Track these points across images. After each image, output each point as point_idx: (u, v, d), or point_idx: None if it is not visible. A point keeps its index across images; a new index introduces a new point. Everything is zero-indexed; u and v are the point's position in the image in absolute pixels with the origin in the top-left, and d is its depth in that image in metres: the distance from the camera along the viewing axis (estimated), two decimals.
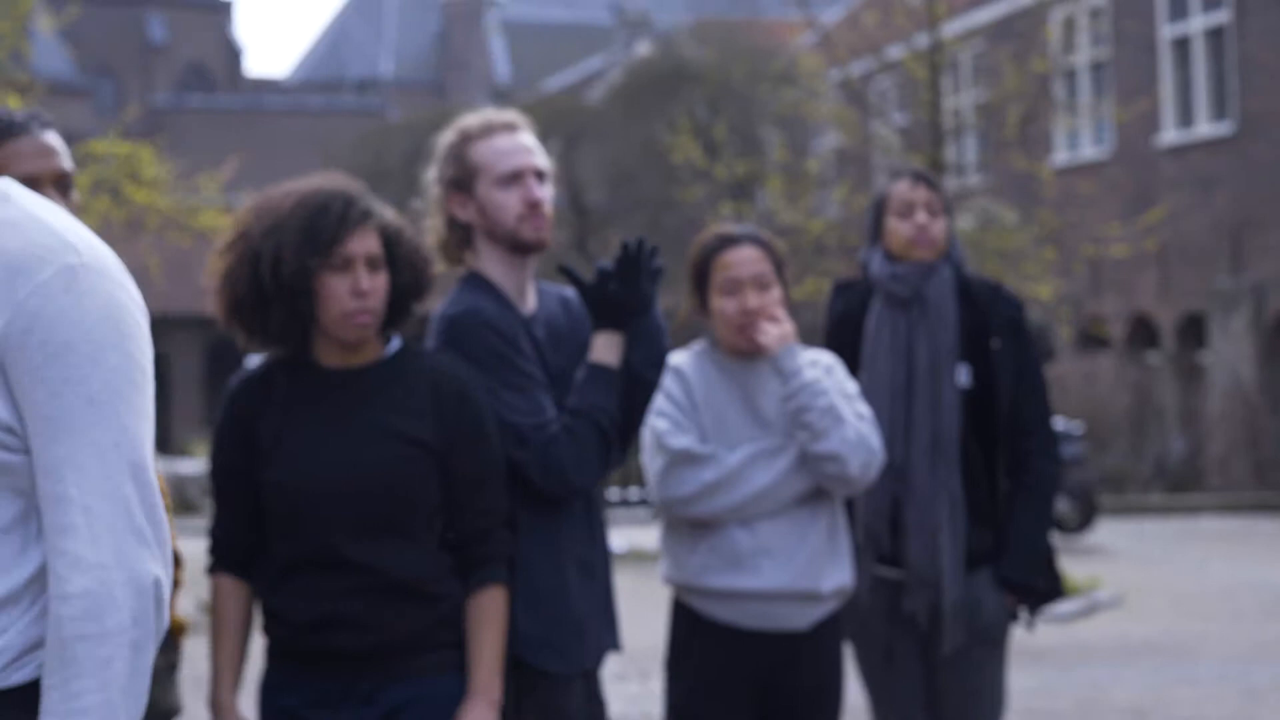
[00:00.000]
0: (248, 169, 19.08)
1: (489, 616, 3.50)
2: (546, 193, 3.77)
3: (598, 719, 3.81)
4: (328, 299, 3.42)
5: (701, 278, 4.26)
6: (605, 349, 3.70)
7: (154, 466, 2.16)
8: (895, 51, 15.96)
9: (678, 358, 4.24)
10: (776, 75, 22.57)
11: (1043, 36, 19.23)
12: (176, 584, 3.60)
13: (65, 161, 3.45)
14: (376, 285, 3.44)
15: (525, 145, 3.77)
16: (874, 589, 4.62)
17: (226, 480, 3.56)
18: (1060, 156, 24.76)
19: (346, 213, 3.43)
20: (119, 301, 2.11)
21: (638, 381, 3.74)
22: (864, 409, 4.24)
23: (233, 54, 60.43)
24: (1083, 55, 23.56)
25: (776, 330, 4.15)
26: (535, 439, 3.59)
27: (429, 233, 3.81)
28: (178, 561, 3.62)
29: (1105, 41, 23.59)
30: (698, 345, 4.32)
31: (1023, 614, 4.71)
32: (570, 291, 3.90)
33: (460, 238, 3.79)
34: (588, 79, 43.82)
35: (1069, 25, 19.58)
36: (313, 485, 3.44)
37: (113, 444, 2.08)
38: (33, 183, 3.37)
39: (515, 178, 3.73)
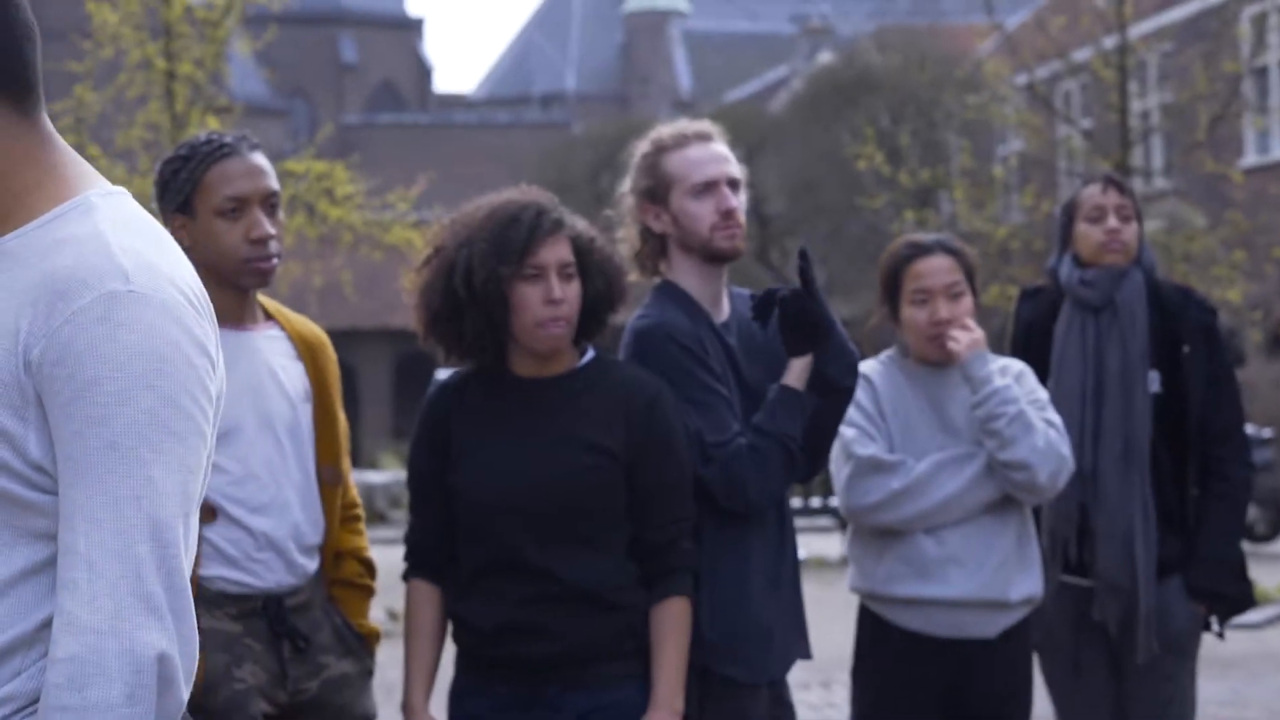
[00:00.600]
0: (436, 184, 19.47)
1: (673, 627, 3.51)
2: (740, 201, 3.78)
3: None
4: (520, 308, 3.46)
5: (893, 286, 4.26)
6: (797, 373, 3.70)
7: (183, 534, 1.89)
8: (1082, 54, 15.82)
9: (867, 366, 4.23)
10: (962, 81, 22.41)
11: (1232, 36, 18.90)
12: (369, 591, 3.74)
13: (273, 181, 3.56)
14: (569, 294, 3.48)
15: (719, 154, 3.78)
16: (1060, 597, 4.59)
17: (421, 486, 3.62)
18: (1249, 158, 24.26)
19: (538, 222, 3.48)
20: (167, 336, 1.87)
21: (836, 390, 3.75)
22: (1054, 417, 4.21)
23: (423, 72, 61.40)
24: (1274, 54, 23.08)
25: (966, 337, 4.14)
26: (718, 455, 3.61)
27: (623, 243, 3.84)
28: (370, 569, 3.77)
29: None
30: (887, 354, 4.33)
31: (1213, 623, 4.66)
32: (745, 292, 3.93)
33: (654, 248, 3.82)
34: (770, 88, 43.86)
35: (1259, 23, 19.20)
36: (499, 492, 3.49)
37: (132, 496, 1.84)
38: (242, 203, 3.52)
39: (709, 187, 3.74)
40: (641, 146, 3.85)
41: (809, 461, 3.79)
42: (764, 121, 31.95)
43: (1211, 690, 8.45)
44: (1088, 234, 4.67)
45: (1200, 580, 4.59)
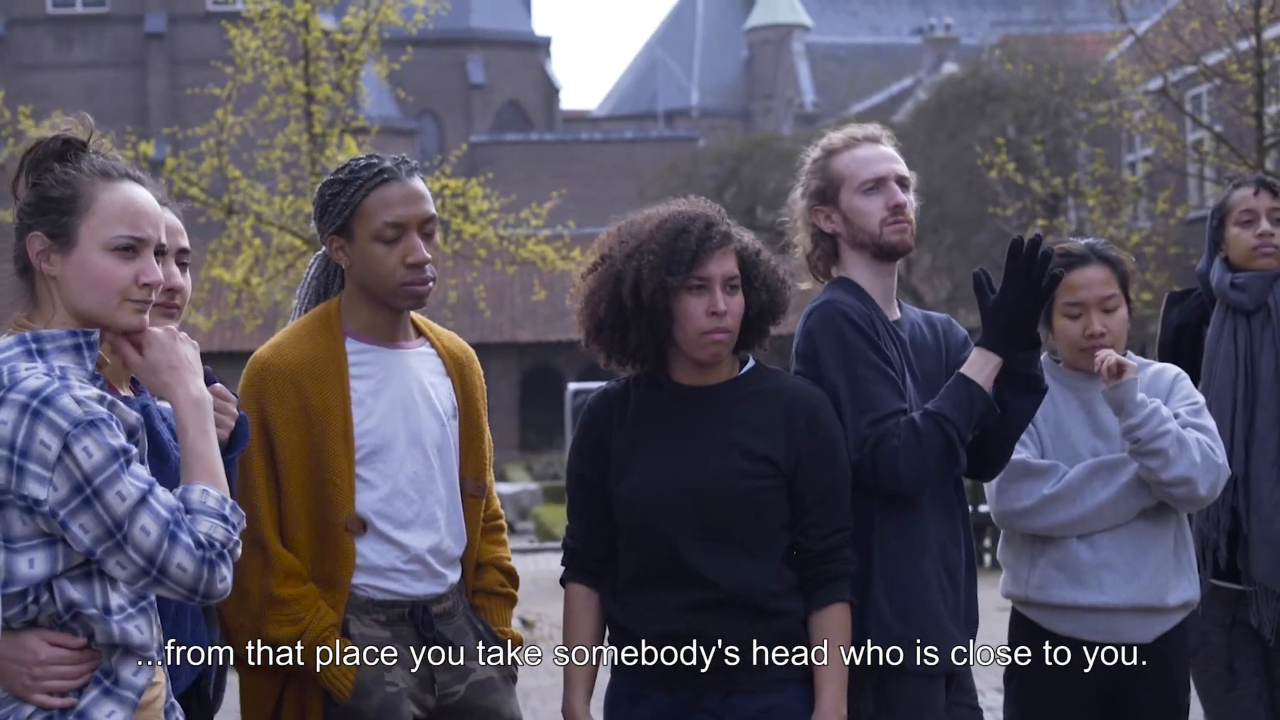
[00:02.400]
0: (564, 200, 19.64)
1: (835, 633, 3.54)
2: (909, 198, 3.86)
3: None
4: (685, 319, 3.52)
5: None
6: (979, 365, 3.68)
7: None
8: (1215, 58, 15.66)
9: None
10: (1091, 88, 22.24)
11: None
12: (511, 599, 3.83)
13: (429, 206, 3.62)
14: (733, 306, 3.53)
15: (887, 154, 3.87)
16: (1211, 602, 4.55)
17: (580, 491, 3.67)
18: None
19: (706, 235, 3.53)
20: None
21: (1036, 392, 3.75)
22: (1208, 422, 4.15)
23: (550, 90, 61.78)
24: None
25: (1113, 358, 4.04)
26: (871, 434, 3.63)
27: (795, 249, 3.93)
28: (512, 578, 3.83)
29: None
30: (1040, 357, 4.33)
31: None
32: (936, 314, 3.96)
33: (826, 250, 3.89)
34: (894, 100, 43.66)
35: None
36: (658, 497, 3.53)
37: None
38: (400, 228, 3.55)
39: (879, 184, 3.82)
40: (811, 153, 3.94)
41: (983, 457, 3.79)
42: (889, 132, 31.82)
43: None
44: (1239, 237, 4.64)
45: None
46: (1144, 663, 4.11)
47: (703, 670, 3.49)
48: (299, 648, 3.55)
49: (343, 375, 3.62)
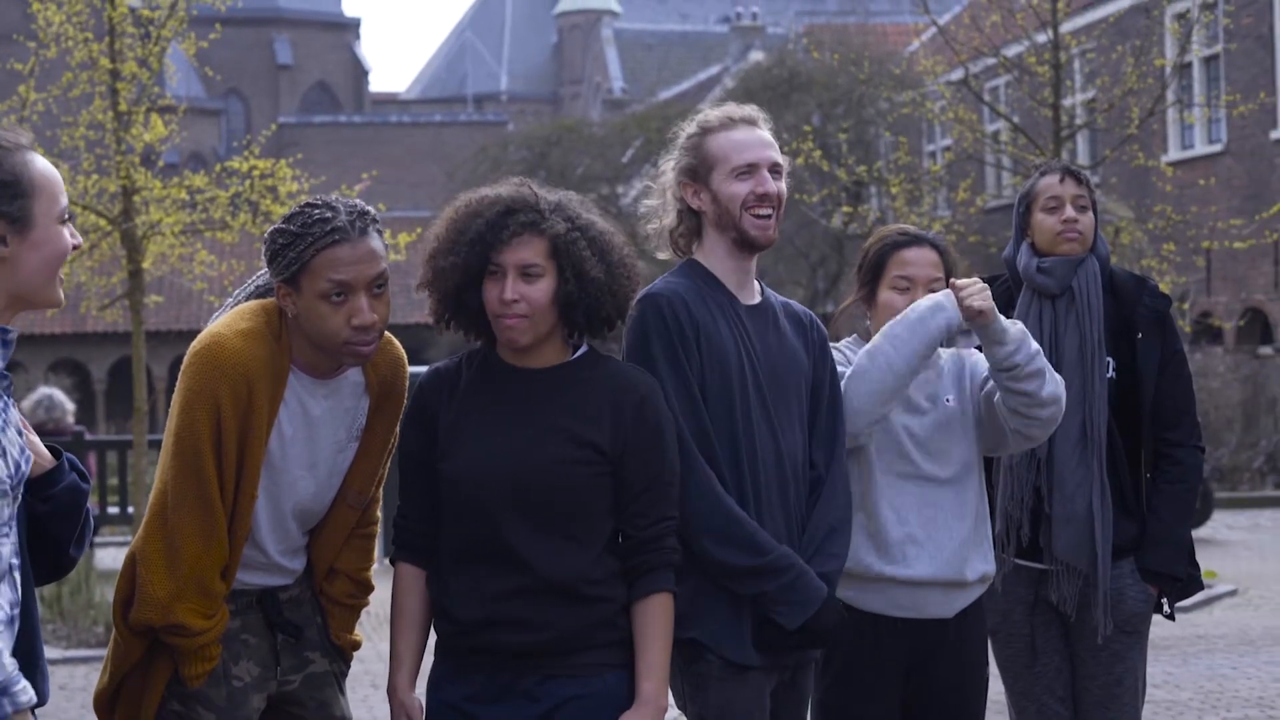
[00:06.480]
0: (374, 182, 19.52)
1: (658, 623, 3.54)
2: (781, 186, 3.89)
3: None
4: (486, 304, 3.54)
5: (875, 270, 4.30)
6: None
7: None
8: (1014, 50, 16.07)
9: (835, 349, 4.21)
10: (894, 78, 22.69)
11: (1160, 32, 19.24)
12: (357, 611, 3.82)
13: (380, 264, 3.51)
14: (527, 293, 3.51)
15: (763, 139, 3.90)
16: (1014, 580, 4.67)
17: (410, 468, 3.66)
18: (1173, 152, 24.69)
19: (501, 222, 3.53)
20: None
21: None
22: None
23: (359, 72, 61.16)
24: (1198, 50, 23.48)
25: (978, 294, 4.04)
26: None
27: (656, 216, 3.95)
28: (364, 589, 3.81)
29: (1220, 36, 23.49)
30: (848, 340, 4.37)
31: (1164, 604, 4.76)
32: (798, 305, 4.02)
33: (690, 228, 3.91)
34: (701, 87, 44.02)
35: (1184, 20, 19.56)
36: (483, 477, 3.51)
37: None
38: (347, 288, 3.47)
39: (750, 169, 3.85)
40: (687, 128, 3.95)
41: None
42: (765, 116, 32.08)
43: (1146, 672, 8.66)
44: (1044, 223, 4.77)
45: (1153, 562, 4.69)
46: (946, 637, 4.19)
47: (521, 655, 3.50)
48: (195, 640, 3.53)
49: (276, 399, 3.56)
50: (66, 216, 2.99)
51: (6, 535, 2.83)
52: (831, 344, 4.15)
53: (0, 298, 2.90)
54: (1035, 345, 4.08)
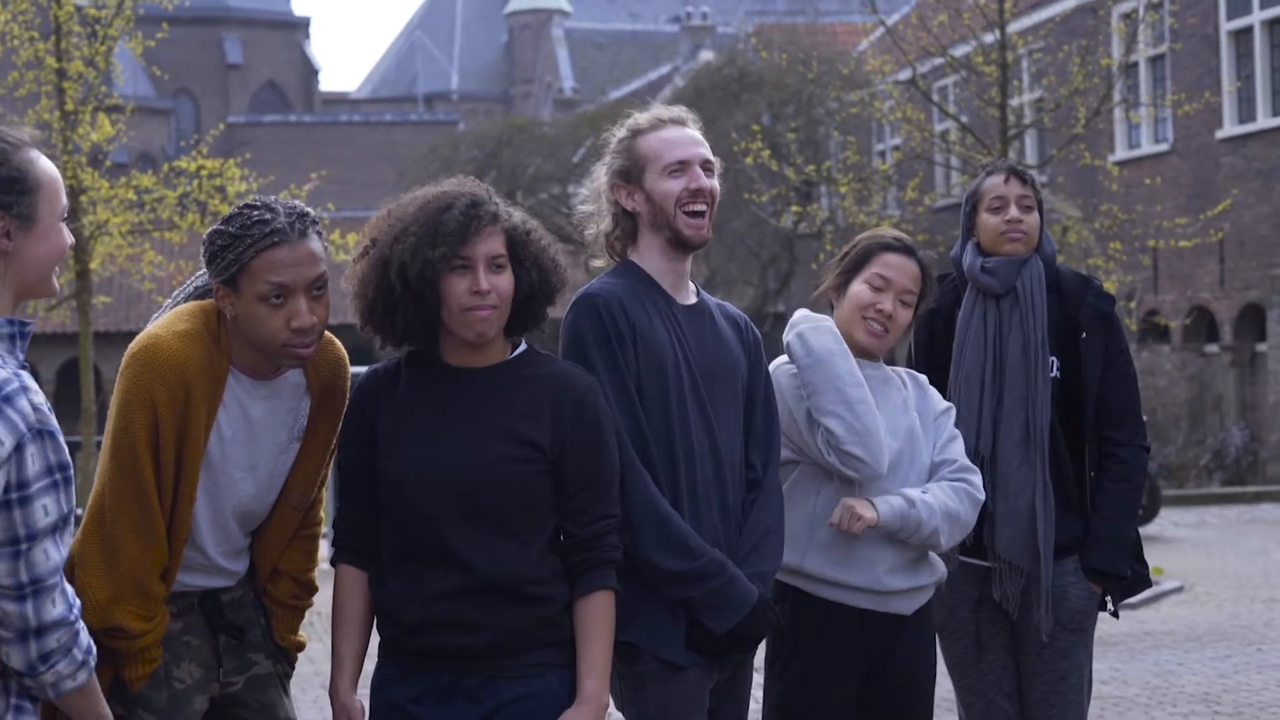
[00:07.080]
0: (324, 182, 19.48)
1: (599, 621, 3.54)
2: (714, 183, 3.91)
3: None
4: (450, 297, 3.49)
5: (858, 264, 4.33)
6: None
7: None
8: (962, 50, 16.17)
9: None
10: (843, 78, 22.78)
11: (1106, 32, 19.39)
12: (300, 611, 3.82)
13: (320, 267, 3.51)
14: (497, 285, 3.51)
15: (693, 137, 3.92)
16: (960, 578, 4.68)
17: (349, 471, 3.63)
18: (1120, 152, 24.88)
19: (470, 214, 3.51)
20: None
21: None
22: (962, 454, 4.29)
23: (309, 71, 60.93)
24: (1144, 50, 23.67)
25: (862, 520, 4.12)
26: None
27: (592, 222, 3.96)
28: (307, 590, 3.81)
29: (1166, 35, 23.68)
30: (785, 364, 4.32)
31: (1108, 602, 4.81)
32: (732, 308, 4.04)
33: (625, 230, 3.92)
34: (652, 87, 44.07)
35: (1130, 20, 19.70)
36: (423, 478, 3.49)
37: None
38: (286, 290, 3.46)
39: (682, 166, 3.87)
40: (618, 132, 3.97)
41: None
42: (694, 116, 32.13)
43: (1093, 668, 8.72)
44: (989, 223, 4.79)
45: (1096, 560, 4.71)
46: (903, 630, 4.22)
47: (464, 655, 3.49)
48: (135, 642, 3.52)
49: (215, 400, 3.56)
50: (65, 215, 3.06)
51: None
52: (775, 363, 4.20)
53: (7, 290, 2.95)
54: (931, 525, 4.14)
